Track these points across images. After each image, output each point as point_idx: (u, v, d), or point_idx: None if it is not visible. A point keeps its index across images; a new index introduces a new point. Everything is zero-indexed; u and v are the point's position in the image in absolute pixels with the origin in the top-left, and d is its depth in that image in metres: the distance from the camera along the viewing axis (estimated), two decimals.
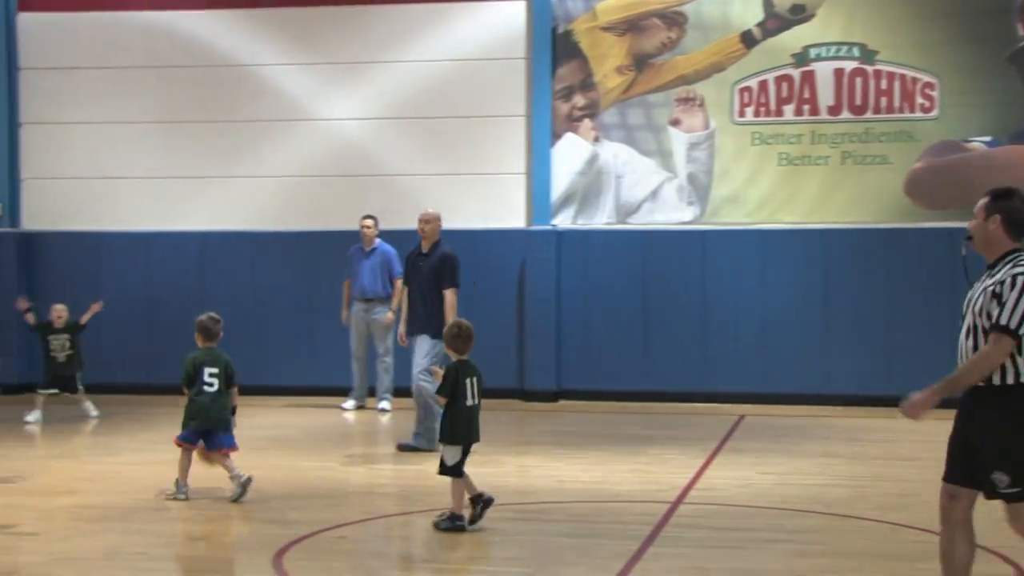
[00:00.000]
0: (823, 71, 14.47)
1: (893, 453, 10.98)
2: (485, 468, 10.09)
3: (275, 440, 11.60)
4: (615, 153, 14.87)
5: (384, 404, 13.67)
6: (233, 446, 8.86)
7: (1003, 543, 6.74)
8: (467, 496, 7.84)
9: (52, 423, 12.76)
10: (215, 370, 8.79)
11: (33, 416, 12.78)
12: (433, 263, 10.87)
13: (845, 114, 14.44)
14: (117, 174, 15.62)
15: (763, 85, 14.57)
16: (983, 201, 5.54)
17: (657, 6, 14.76)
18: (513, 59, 14.95)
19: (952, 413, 5.55)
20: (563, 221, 14.91)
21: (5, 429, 12.47)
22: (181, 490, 8.71)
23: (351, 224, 15.02)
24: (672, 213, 14.79)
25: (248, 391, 14.39)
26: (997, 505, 5.46)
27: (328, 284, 14.99)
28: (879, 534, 7.71)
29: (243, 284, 15.19)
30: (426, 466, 10.34)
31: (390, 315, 13.35)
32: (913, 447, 10.97)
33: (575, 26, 14.91)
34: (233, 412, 8.97)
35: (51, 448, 11.70)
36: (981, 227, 5.50)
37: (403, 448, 10.84)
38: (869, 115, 14.38)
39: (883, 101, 14.36)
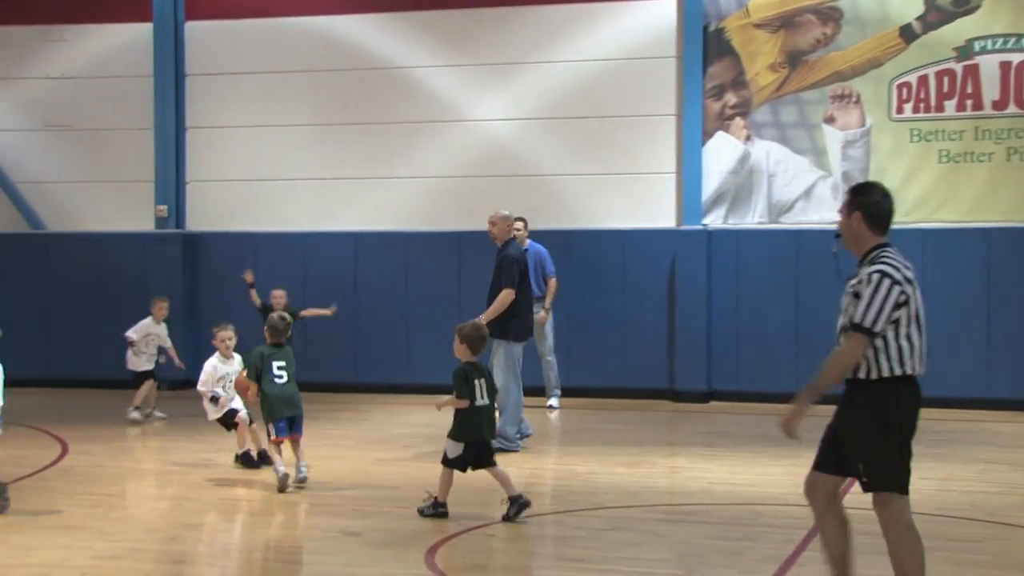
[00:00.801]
0: (988, 64, 13.99)
1: None
2: (635, 468, 10.07)
3: (426, 438, 11.74)
4: (767, 151, 14.64)
5: (553, 401, 13.73)
6: (301, 433, 9.21)
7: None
8: (505, 495, 8.07)
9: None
10: (283, 363, 9.14)
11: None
12: (495, 265, 10.98)
13: (1011, 108, 13.93)
14: (274, 176, 16.04)
15: (923, 80, 14.16)
16: (845, 198, 5.59)
17: (812, 2, 14.47)
18: (663, 58, 14.84)
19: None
20: (714, 221, 14.75)
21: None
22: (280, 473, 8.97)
23: None
24: (826, 212, 14.46)
25: (399, 389, 14.75)
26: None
27: (478, 284, 15.10)
28: None
29: (395, 284, 15.44)
30: (576, 466, 10.35)
31: (543, 314, 13.40)
32: None
33: (727, 23, 14.73)
34: None
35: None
36: (845, 224, 5.58)
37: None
38: None
39: None
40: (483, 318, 10.65)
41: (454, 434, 8.22)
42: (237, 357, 10.16)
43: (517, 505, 8.03)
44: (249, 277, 13.40)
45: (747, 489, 9.21)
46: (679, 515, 8.36)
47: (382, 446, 11.09)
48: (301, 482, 9.05)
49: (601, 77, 15.03)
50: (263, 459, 9.81)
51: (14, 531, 7.74)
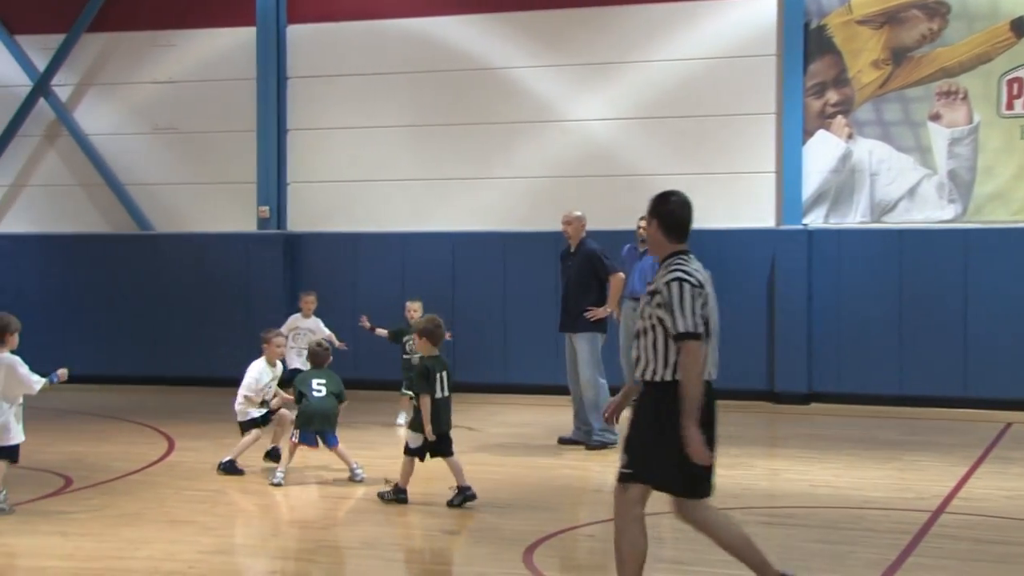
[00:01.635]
0: None
1: None
2: (734, 470, 9.98)
3: (523, 438, 11.78)
4: (870, 150, 14.40)
5: None
6: (335, 443, 9.50)
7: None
8: (455, 482, 8.56)
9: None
10: (323, 380, 9.57)
11: (401, 418, 12.29)
12: (580, 261, 11.13)
13: None
14: (373, 177, 16.21)
15: None
16: (648, 206, 5.78)
17: None
18: (763, 56, 14.68)
19: None
20: (814, 220, 14.55)
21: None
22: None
23: (600, 224, 15.08)
24: (931, 211, 14.20)
25: (495, 389, 14.78)
26: None
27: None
28: None
29: (492, 284, 15.49)
30: None
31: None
32: None
33: (829, 20, 14.51)
34: None
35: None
36: (648, 231, 5.81)
37: (564, 441, 11.01)
38: None
39: None
40: (609, 308, 10.95)
41: (415, 425, 8.63)
42: (279, 365, 10.31)
43: (463, 495, 8.51)
44: (366, 324, 12.79)
45: (849, 492, 9.07)
46: (779, 518, 8.26)
47: (479, 446, 11.14)
48: (359, 482, 9.33)
49: (700, 76, 14.91)
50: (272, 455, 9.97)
51: (124, 524, 7.94)
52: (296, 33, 16.44)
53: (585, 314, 10.92)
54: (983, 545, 7.45)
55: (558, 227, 15.30)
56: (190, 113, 16.77)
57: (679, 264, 5.67)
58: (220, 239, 16.51)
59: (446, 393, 8.74)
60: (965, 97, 14.05)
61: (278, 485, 9.18)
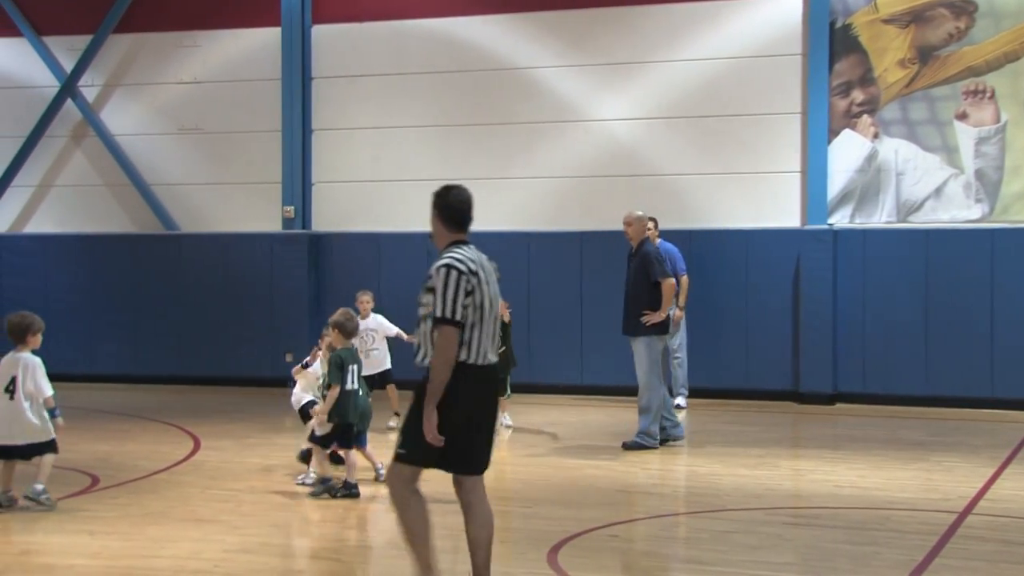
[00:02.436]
0: None
1: None
2: (758, 470, 9.96)
3: (548, 438, 11.78)
4: (896, 149, 14.33)
5: (680, 401, 13.67)
6: (365, 445, 9.34)
7: None
8: (346, 474, 8.79)
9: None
10: (355, 366, 9.11)
11: (506, 420, 12.06)
12: (637, 263, 11.06)
13: None
14: (397, 177, 16.23)
15: None
16: (431, 200, 6.05)
17: None
18: (789, 55, 14.63)
19: None
20: (840, 220, 14.49)
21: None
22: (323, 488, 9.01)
23: (622, 224, 15.07)
24: (958, 211, 14.12)
25: (520, 389, 14.75)
26: None
27: (599, 283, 15.11)
28: None
29: (516, 284, 15.47)
30: (699, 467, 10.27)
31: (677, 312, 13.32)
32: None
33: (854, 19, 14.45)
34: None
35: None
36: (431, 222, 6.04)
37: (628, 447, 10.87)
38: None
39: None
40: (662, 314, 10.82)
41: (328, 415, 8.84)
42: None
43: (347, 489, 8.76)
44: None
45: (875, 493, 9.03)
46: (804, 518, 8.23)
47: (506, 445, 11.15)
48: (383, 482, 9.17)
49: (724, 75, 14.87)
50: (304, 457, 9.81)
51: (150, 523, 7.98)
52: (321, 33, 16.49)
53: (641, 318, 10.85)
54: (1011, 547, 7.41)
55: (582, 227, 15.39)
56: (215, 113, 16.84)
57: (453, 252, 5.87)
58: (245, 239, 16.57)
59: (355, 385, 8.90)
60: (992, 96, 13.96)
61: (307, 486, 9.18)
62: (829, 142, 14.46)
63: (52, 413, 8.39)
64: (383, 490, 9.18)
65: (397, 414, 12.01)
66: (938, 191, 14.20)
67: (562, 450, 11.06)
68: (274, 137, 16.53)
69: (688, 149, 15.03)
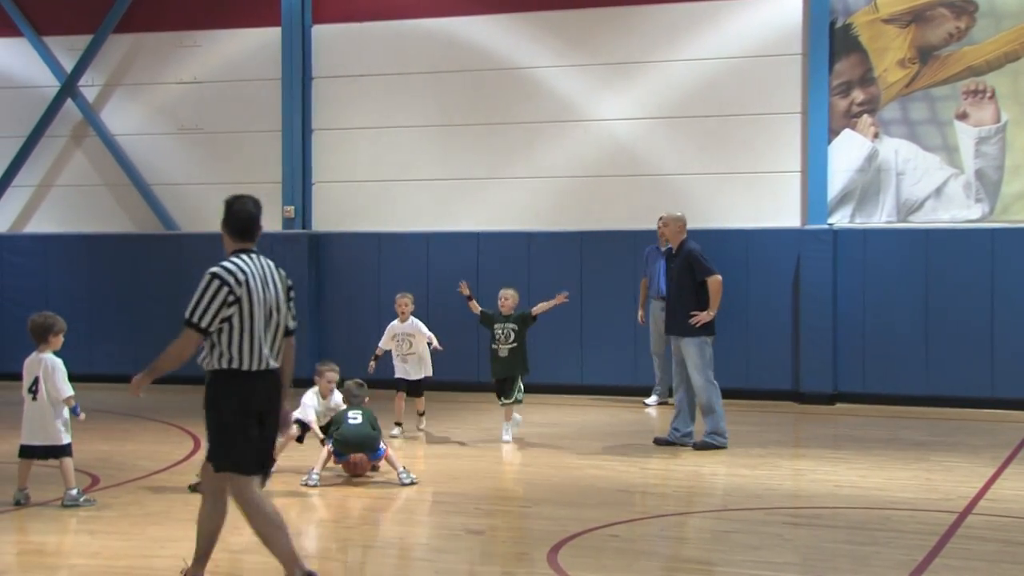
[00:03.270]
0: None
1: None
2: (759, 470, 9.96)
3: (548, 438, 11.78)
4: (896, 149, 14.33)
5: None
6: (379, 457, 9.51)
7: None
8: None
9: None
10: (358, 411, 9.47)
11: (507, 434, 11.38)
12: (680, 263, 11.04)
13: None
14: (398, 177, 16.24)
15: None
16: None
17: None
18: (789, 55, 14.63)
19: None
20: (840, 220, 14.49)
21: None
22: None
23: (622, 224, 15.10)
24: (958, 211, 14.13)
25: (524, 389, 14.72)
26: None
27: (600, 283, 15.11)
28: None
29: (516, 283, 15.36)
30: (700, 467, 10.27)
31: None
32: None
33: (854, 19, 14.45)
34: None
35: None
36: (222, 232, 6.25)
37: (698, 447, 10.89)
38: None
39: None
40: (711, 312, 10.81)
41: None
42: (337, 396, 9.98)
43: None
44: (465, 289, 11.66)
45: (875, 493, 9.03)
46: (804, 518, 8.23)
47: (505, 446, 11.14)
48: (407, 485, 9.27)
49: (724, 75, 14.87)
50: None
51: (151, 523, 7.98)
52: (321, 33, 16.49)
53: (689, 320, 10.84)
54: (1011, 547, 7.41)
55: (582, 227, 15.38)
56: (215, 113, 16.84)
57: (227, 261, 6.10)
58: None
59: (352, 422, 9.31)
60: (992, 96, 13.96)
61: (312, 486, 9.18)
62: (829, 142, 14.46)
63: (73, 411, 8.54)
64: (384, 491, 9.19)
65: (421, 413, 12.00)
66: (938, 191, 14.20)
67: (562, 450, 11.05)
68: (274, 137, 16.53)
69: (688, 149, 15.04)
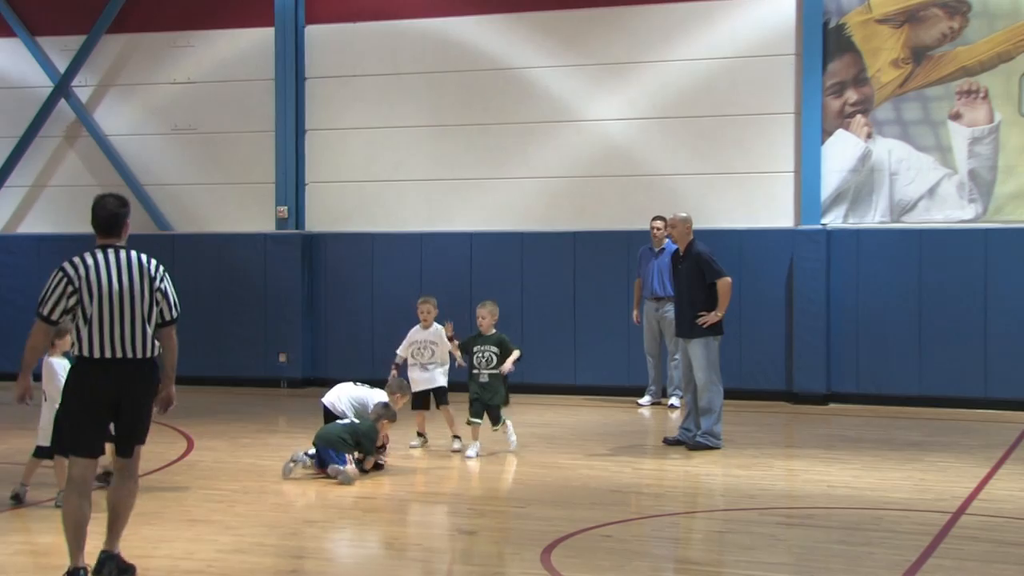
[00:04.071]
0: None
1: None
2: (752, 471, 9.96)
3: (542, 438, 11.77)
4: (889, 149, 14.34)
5: (674, 400, 13.70)
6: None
7: None
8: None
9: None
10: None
11: (471, 450, 10.68)
12: (689, 264, 10.99)
13: None
14: (391, 177, 16.22)
15: None
16: None
17: None
18: (782, 55, 14.63)
19: None
20: (833, 220, 14.50)
21: None
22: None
23: (616, 224, 15.11)
24: (951, 211, 14.14)
25: (514, 389, 14.68)
26: None
27: (593, 283, 15.11)
28: None
29: (509, 284, 15.48)
30: (693, 468, 10.28)
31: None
32: None
33: (848, 19, 14.46)
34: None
35: None
36: None
37: (692, 448, 10.90)
38: None
39: None
40: (719, 314, 10.85)
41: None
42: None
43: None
44: (449, 331, 11.03)
45: (868, 493, 9.03)
46: (797, 519, 8.23)
47: (498, 445, 11.13)
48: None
49: (718, 75, 14.88)
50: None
51: (144, 523, 7.96)
52: (314, 33, 16.47)
53: (697, 320, 10.86)
54: (1004, 547, 7.41)
55: (575, 227, 15.38)
56: (209, 114, 16.82)
57: (78, 255, 6.54)
58: (238, 239, 16.54)
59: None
60: (986, 96, 13.98)
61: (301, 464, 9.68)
62: (823, 142, 14.47)
63: None
64: (379, 490, 9.18)
65: (457, 437, 10.94)
66: (932, 191, 14.22)
67: (555, 450, 11.05)
68: (267, 137, 16.51)
69: (681, 149, 15.04)
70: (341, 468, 9.40)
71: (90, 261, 6.52)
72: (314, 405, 10.98)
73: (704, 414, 10.95)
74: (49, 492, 8.66)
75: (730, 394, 14.19)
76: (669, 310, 13.37)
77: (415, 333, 11.22)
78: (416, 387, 11.01)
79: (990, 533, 7.77)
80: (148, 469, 9.93)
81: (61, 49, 17.32)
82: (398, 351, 11.26)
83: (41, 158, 17.49)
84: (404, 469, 10.09)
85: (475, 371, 10.71)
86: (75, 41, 17.18)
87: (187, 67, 16.91)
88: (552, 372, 15.26)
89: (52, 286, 6.41)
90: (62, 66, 17.24)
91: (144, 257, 6.75)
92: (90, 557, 6.57)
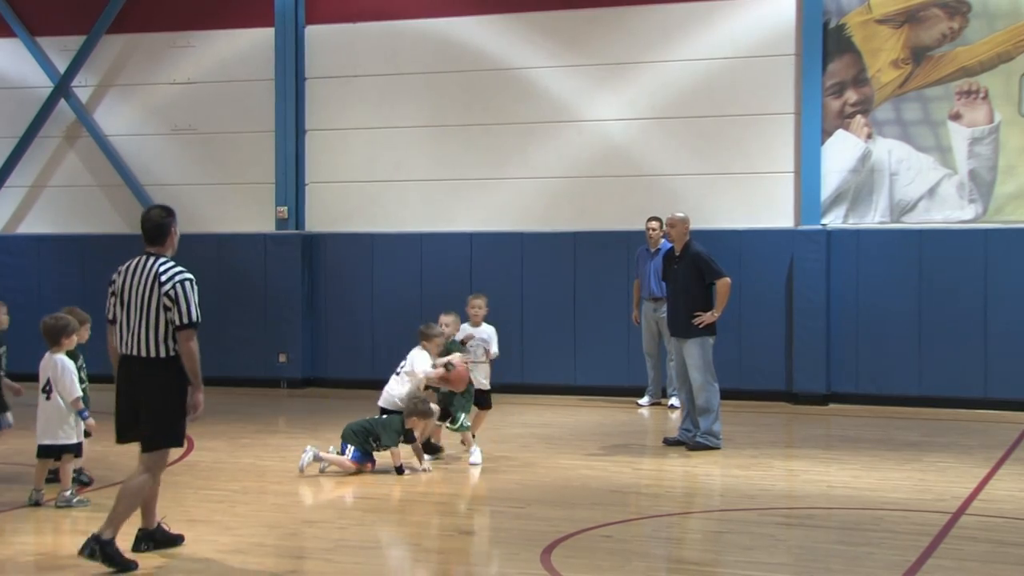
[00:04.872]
0: None
1: None
2: (751, 471, 9.95)
3: (541, 438, 11.77)
4: (889, 150, 14.34)
5: (674, 400, 13.70)
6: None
7: None
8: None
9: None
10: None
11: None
12: (687, 264, 10.96)
13: None
14: (391, 177, 16.22)
15: None
16: None
17: None
18: (782, 56, 14.63)
19: None
20: (833, 220, 14.49)
21: None
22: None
23: (616, 224, 15.10)
24: (951, 211, 14.14)
25: (512, 389, 14.75)
26: None
27: (593, 284, 15.11)
28: None
29: (510, 284, 15.48)
30: (693, 468, 10.27)
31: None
32: None
33: (848, 20, 14.46)
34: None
35: None
36: None
37: (691, 448, 10.88)
38: None
39: None
40: (716, 313, 10.89)
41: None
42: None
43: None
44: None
45: (868, 494, 9.03)
46: (797, 519, 8.23)
47: (497, 446, 11.13)
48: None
49: (718, 76, 14.87)
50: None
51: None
52: (314, 34, 16.47)
53: (693, 320, 10.86)
54: (1004, 547, 7.41)
55: (575, 227, 15.37)
56: (209, 114, 16.81)
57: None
58: (238, 239, 16.55)
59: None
60: (985, 96, 13.98)
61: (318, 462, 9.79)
62: (823, 142, 14.47)
63: (80, 414, 8.65)
64: (378, 491, 9.18)
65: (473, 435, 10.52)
66: (931, 191, 14.22)
67: (555, 450, 11.04)
68: (267, 137, 16.51)
69: (682, 149, 15.04)
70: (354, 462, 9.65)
71: (124, 267, 7.20)
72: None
73: (702, 414, 10.96)
74: (53, 491, 8.65)
75: (730, 394, 14.21)
76: (660, 310, 13.40)
77: (466, 329, 10.65)
78: (479, 387, 10.60)
79: (990, 533, 7.76)
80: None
81: (61, 49, 17.32)
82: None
83: (41, 158, 17.49)
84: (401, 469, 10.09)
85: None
86: (75, 41, 17.18)
87: (187, 67, 16.90)
88: (552, 372, 15.25)
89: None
90: (62, 66, 17.24)
91: (163, 264, 7.14)
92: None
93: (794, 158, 14.62)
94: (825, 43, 14.42)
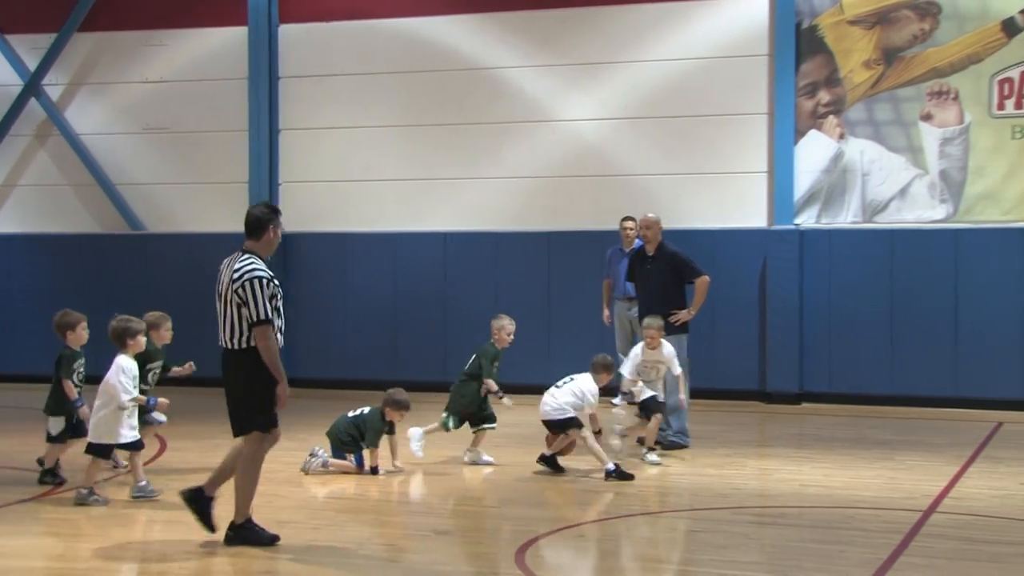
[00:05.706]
0: None
1: None
2: (724, 470, 9.99)
3: (515, 438, 11.78)
4: (861, 150, 14.42)
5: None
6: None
7: None
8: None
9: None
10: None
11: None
12: (662, 265, 11.00)
13: None
14: (365, 177, 16.19)
15: None
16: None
17: None
18: (755, 56, 14.69)
19: None
20: (806, 220, 14.57)
21: None
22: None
23: (590, 224, 15.12)
24: (922, 211, 14.23)
25: None
26: None
27: (567, 283, 15.13)
28: None
29: (483, 283, 15.49)
30: (666, 467, 10.29)
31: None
32: None
33: (820, 20, 14.53)
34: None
35: None
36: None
37: (666, 447, 10.95)
38: None
39: None
40: (693, 311, 10.99)
41: (54, 410, 9.28)
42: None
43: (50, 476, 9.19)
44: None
45: (840, 492, 9.08)
46: (769, 517, 8.27)
47: (497, 448, 11.12)
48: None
49: (691, 76, 14.92)
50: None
51: (116, 524, 7.93)
52: (288, 33, 16.42)
53: (670, 319, 10.88)
54: (974, 544, 7.47)
55: (549, 227, 15.38)
56: (181, 113, 16.74)
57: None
58: (212, 239, 16.44)
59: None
60: (956, 97, 14.08)
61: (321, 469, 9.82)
62: (795, 142, 14.54)
63: (143, 415, 9.18)
64: (350, 490, 9.16)
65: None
66: (903, 191, 14.31)
67: (529, 450, 11.04)
68: (241, 137, 16.45)
69: (655, 149, 15.07)
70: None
71: (222, 264, 7.59)
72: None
73: (673, 412, 10.98)
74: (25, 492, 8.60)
75: (703, 393, 14.26)
76: (634, 309, 13.40)
77: (639, 354, 10.62)
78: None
79: (960, 531, 7.82)
80: (121, 470, 9.89)
81: (31, 47, 17.20)
82: (626, 374, 10.67)
83: (11, 157, 17.36)
84: (378, 469, 10.07)
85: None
86: (45, 39, 17.06)
87: (159, 66, 16.82)
88: (526, 372, 15.22)
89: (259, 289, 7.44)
90: (32, 64, 17.13)
91: (241, 261, 7.47)
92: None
93: (767, 158, 14.68)
94: (798, 44, 14.49)
